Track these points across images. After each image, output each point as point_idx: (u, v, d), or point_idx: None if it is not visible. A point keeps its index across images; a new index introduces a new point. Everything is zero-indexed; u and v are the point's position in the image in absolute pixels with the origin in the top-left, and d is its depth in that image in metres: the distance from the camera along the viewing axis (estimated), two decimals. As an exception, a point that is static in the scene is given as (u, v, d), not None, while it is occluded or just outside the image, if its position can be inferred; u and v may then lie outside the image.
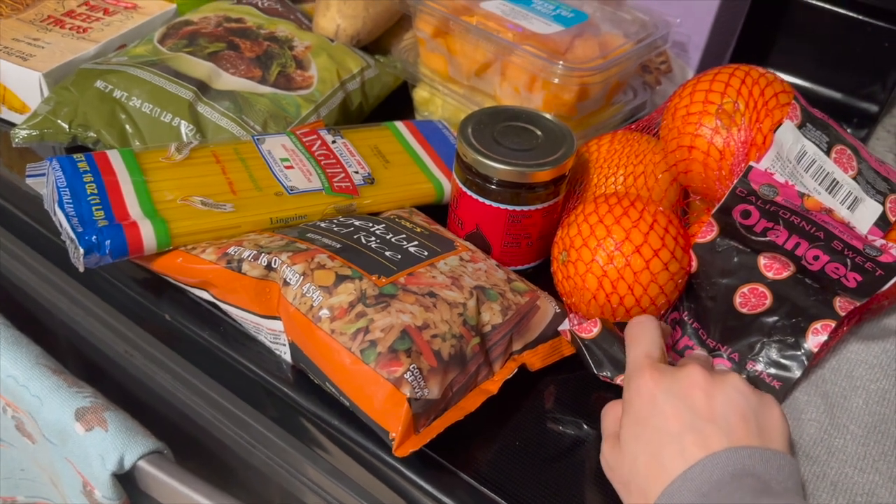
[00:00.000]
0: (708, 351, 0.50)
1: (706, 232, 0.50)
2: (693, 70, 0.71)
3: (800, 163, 0.50)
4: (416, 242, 0.51)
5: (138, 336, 0.56)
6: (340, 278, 0.46)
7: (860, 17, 0.74)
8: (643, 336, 0.44)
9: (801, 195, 0.45)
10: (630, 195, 0.53)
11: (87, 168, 0.50)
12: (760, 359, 0.49)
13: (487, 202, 0.53)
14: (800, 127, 0.50)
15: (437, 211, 0.59)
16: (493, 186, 0.52)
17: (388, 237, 0.51)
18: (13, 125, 0.65)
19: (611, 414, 0.44)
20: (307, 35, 0.69)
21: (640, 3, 0.69)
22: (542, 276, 0.55)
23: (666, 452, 0.38)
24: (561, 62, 0.58)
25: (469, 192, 0.53)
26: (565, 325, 0.50)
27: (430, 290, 0.46)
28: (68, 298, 0.61)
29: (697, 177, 0.52)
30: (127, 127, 0.59)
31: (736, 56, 0.75)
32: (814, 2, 0.75)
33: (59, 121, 0.59)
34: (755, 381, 0.48)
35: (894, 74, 0.75)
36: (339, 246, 0.49)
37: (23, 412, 0.54)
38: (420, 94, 0.71)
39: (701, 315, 0.51)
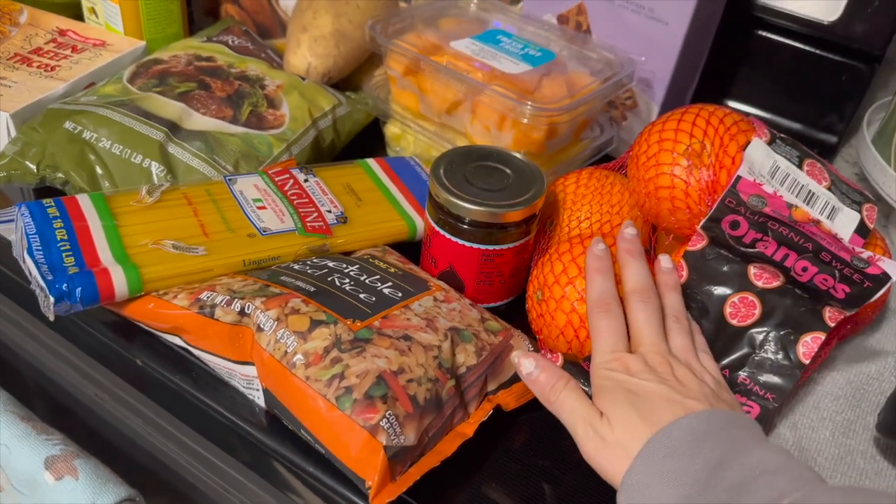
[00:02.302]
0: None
1: (696, 241, 0.51)
2: (658, 105, 0.73)
3: (773, 177, 0.50)
4: (389, 283, 0.51)
5: (108, 380, 0.56)
6: (315, 323, 0.46)
7: (818, 51, 0.76)
8: (609, 329, 0.46)
9: (790, 206, 0.46)
10: (600, 234, 0.54)
11: (57, 214, 0.50)
12: (752, 372, 0.49)
13: (460, 241, 0.53)
14: (770, 143, 0.52)
15: (410, 248, 0.59)
16: (466, 226, 0.53)
17: (362, 278, 0.51)
18: (-21, 165, 0.65)
19: (568, 405, 0.44)
20: (278, 73, 0.69)
21: (605, 40, 0.71)
22: (514, 314, 0.56)
23: (657, 410, 0.41)
24: (530, 102, 0.59)
25: (442, 232, 0.54)
26: (515, 356, 0.49)
27: (404, 333, 0.46)
28: (36, 341, 0.60)
29: (666, 215, 0.53)
30: (97, 168, 0.58)
31: (699, 89, 0.77)
32: (774, 37, 0.78)
33: (27, 162, 0.59)
34: (747, 394, 0.49)
35: (851, 107, 0.77)
36: (313, 289, 0.49)
37: (-11, 461, 0.53)
38: (391, 129, 0.72)
39: None
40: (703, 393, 0.43)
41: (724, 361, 0.49)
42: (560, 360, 0.48)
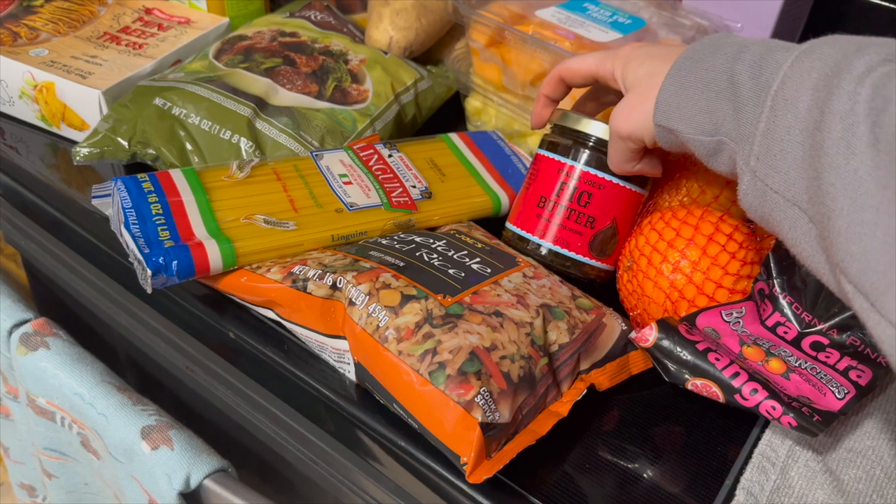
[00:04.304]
0: (803, 327, 0.49)
1: None
2: (752, 75, 0.69)
3: None
4: (478, 259, 0.51)
5: (199, 352, 0.57)
6: (406, 298, 0.45)
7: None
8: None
9: (742, 344, 0.46)
10: (697, 202, 0.52)
11: (152, 188, 0.51)
12: (863, 335, 0.47)
13: (631, 187, 0.52)
14: None
15: (493, 224, 0.58)
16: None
17: (450, 254, 0.51)
18: (72, 142, 0.66)
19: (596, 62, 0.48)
20: (361, 48, 0.69)
21: (697, 5, 0.68)
22: (604, 293, 0.54)
23: (669, 57, 0.43)
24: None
25: (615, 180, 0.51)
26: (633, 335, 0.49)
27: (496, 310, 0.46)
28: (128, 314, 0.61)
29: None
30: (187, 144, 0.59)
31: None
32: (875, 0, 0.73)
33: (119, 138, 0.60)
34: (859, 357, 0.46)
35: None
36: (402, 264, 0.48)
37: (89, 429, 0.55)
38: (472, 103, 0.70)
39: (795, 288, 0.49)
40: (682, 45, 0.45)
41: (832, 322, 0.47)
42: (654, 331, 0.45)
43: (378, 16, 0.70)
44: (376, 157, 0.59)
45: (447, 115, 0.73)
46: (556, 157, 0.52)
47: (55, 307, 0.82)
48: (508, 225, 0.56)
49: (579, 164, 0.51)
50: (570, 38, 0.61)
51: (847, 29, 0.76)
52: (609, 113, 0.50)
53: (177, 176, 0.52)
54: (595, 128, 0.51)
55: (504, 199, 0.59)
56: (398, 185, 0.57)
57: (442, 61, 0.75)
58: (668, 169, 0.56)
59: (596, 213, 0.52)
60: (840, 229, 0.31)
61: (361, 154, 0.59)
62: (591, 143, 0.51)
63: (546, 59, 0.61)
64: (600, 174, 0.51)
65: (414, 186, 0.57)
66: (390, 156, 0.60)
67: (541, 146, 0.54)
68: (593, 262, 0.53)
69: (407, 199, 0.56)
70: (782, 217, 0.35)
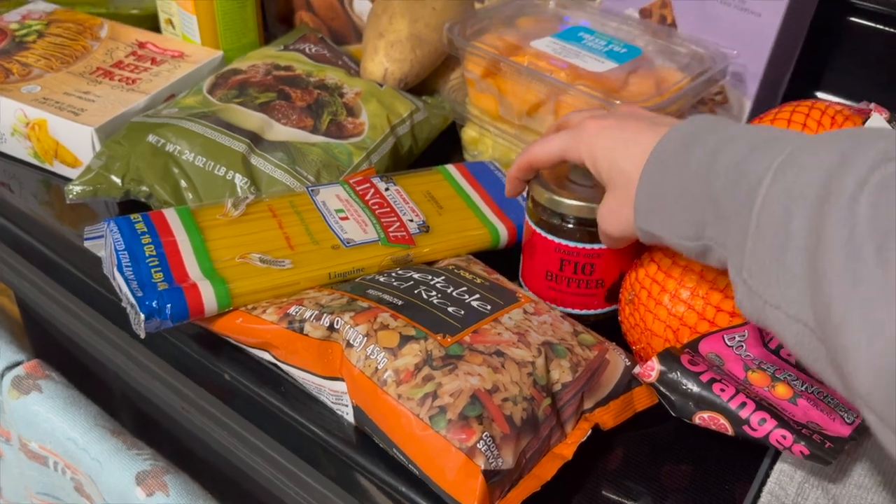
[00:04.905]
0: None
1: None
2: (750, 100, 0.69)
3: None
4: (477, 295, 0.50)
5: (195, 393, 0.55)
6: (405, 339, 0.44)
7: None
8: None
9: (746, 369, 0.45)
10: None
11: (145, 229, 0.50)
12: None
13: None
14: (889, 121, 0.49)
15: (491, 257, 0.57)
16: None
17: (448, 290, 0.50)
18: (66, 179, 0.66)
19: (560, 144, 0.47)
20: (356, 81, 0.68)
21: (692, 33, 0.68)
22: (606, 326, 0.53)
23: (636, 141, 0.42)
24: (618, 101, 0.57)
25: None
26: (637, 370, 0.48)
27: (497, 349, 0.45)
28: (123, 354, 0.60)
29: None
30: (181, 181, 0.58)
31: (793, 83, 0.73)
32: (868, 23, 0.73)
33: (112, 176, 0.59)
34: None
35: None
36: (400, 303, 0.47)
37: (82, 474, 0.54)
38: (469, 133, 0.70)
39: None
40: (655, 115, 0.45)
41: None
42: (656, 366, 0.45)
43: (373, 48, 0.70)
44: (373, 190, 0.58)
45: (444, 145, 0.72)
46: (549, 236, 0.52)
47: (50, 345, 0.81)
48: (523, 284, 0.56)
49: (573, 243, 0.51)
50: (565, 67, 0.61)
51: (844, 52, 0.76)
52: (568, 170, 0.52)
53: (170, 215, 0.52)
54: (577, 209, 0.50)
55: (503, 231, 0.58)
56: (395, 219, 0.56)
57: (438, 91, 0.75)
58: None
59: (603, 276, 0.52)
60: (860, 363, 0.28)
61: (358, 188, 0.58)
62: (575, 224, 0.51)
63: (542, 91, 0.60)
64: (596, 246, 0.51)
65: (411, 220, 0.56)
66: (387, 189, 0.59)
67: (530, 217, 0.53)
68: (613, 307, 0.54)
69: (404, 233, 0.55)
70: (786, 332, 0.33)
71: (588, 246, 0.51)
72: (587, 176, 0.52)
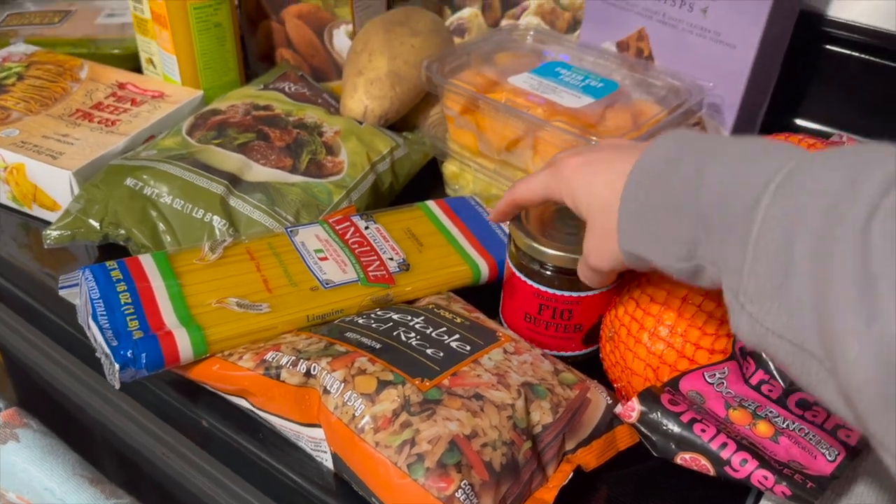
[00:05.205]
0: (788, 384, 0.47)
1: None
2: (728, 130, 0.69)
3: None
4: (457, 336, 0.49)
5: (175, 439, 0.55)
6: (382, 384, 0.44)
7: (891, 63, 0.72)
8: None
9: (727, 407, 0.45)
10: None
11: (121, 276, 0.49)
12: None
13: (606, 290, 0.52)
14: None
15: (472, 293, 0.57)
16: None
17: (428, 331, 0.49)
18: (45, 222, 0.65)
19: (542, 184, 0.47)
20: (336, 119, 0.68)
21: (669, 66, 0.68)
22: (586, 366, 0.53)
23: (613, 168, 0.41)
24: (594, 138, 0.57)
25: (591, 293, 0.51)
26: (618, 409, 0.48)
27: (476, 392, 0.44)
28: (102, 399, 0.60)
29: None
30: (159, 224, 0.58)
31: (771, 111, 0.74)
32: (844, 51, 0.74)
33: (91, 220, 0.59)
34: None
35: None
36: (379, 346, 0.47)
37: (60, 525, 0.53)
38: (449, 168, 0.70)
39: None
40: (635, 143, 0.44)
41: None
42: (637, 407, 0.44)
43: (353, 85, 0.70)
44: (353, 229, 0.58)
45: (425, 180, 0.72)
46: (529, 281, 0.52)
47: (30, 390, 0.80)
48: (503, 321, 0.56)
49: (552, 290, 0.51)
50: (542, 103, 0.61)
51: (821, 80, 0.76)
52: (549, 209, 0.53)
53: (146, 262, 0.51)
54: (555, 259, 0.50)
55: (483, 267, 0.58)
56: (375, 257, 0.56)
57: (418, 127, 0.75)
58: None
59: (581, 321, 0.52)
60: (874, 403, 0.27)
61: (337, 227, 0.58)
62: (554, 272, 0.51)
63: (519, 127, 0.61)
64: (575, 294, 0.51)
65: (391, 259, 0.56)
66: (367, 227, 0.59)
67: (511, 259, 0.53)
68: (590, 349, 0.54)
69: (384, 272, 0.55)
70: (790, 360, 0.31)
71: (567, 293, 0.51)
72: (574, 216, 0.52)
